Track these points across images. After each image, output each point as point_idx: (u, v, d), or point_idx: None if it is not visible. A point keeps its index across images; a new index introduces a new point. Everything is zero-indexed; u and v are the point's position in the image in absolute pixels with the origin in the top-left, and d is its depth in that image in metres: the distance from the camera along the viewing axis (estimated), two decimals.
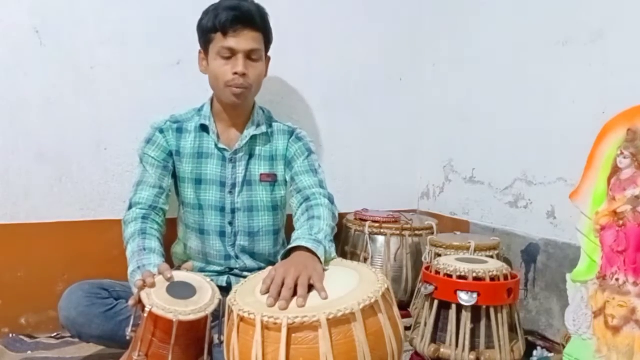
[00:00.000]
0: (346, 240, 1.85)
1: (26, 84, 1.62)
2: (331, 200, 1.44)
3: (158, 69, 1.75)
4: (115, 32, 1.69)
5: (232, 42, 1.40)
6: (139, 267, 1.27)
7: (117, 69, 1.70)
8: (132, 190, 1.46)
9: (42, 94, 1.64)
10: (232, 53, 1.40)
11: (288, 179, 1.53)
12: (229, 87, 1.42)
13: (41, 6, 1.61)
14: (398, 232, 1.76)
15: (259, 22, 1.43)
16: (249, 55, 1.42)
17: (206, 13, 1.44)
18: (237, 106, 1.48)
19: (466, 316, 1.30)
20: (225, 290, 1.32)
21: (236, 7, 1.40)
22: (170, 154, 1.51)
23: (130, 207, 1.43)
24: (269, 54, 1.56)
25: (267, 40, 1.49)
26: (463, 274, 1.30)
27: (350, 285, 1.08)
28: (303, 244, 1.19)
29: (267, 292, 1.07)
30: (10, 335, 1.63)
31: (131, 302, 1.16)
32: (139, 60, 1.72)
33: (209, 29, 1.42)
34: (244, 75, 1.41)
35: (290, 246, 1.21)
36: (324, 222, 1.32)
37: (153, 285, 1.13)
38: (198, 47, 1.51)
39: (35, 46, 1.62)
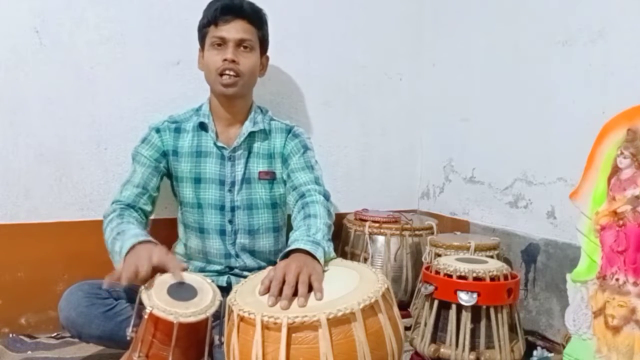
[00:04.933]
0: (346, 240, 1.85)
1: (26, 84, 1.62)
2: (326, 197, 1.44)
3: (158, 69, 1.75)
4: (115, 32, 1.69)
5: (222, 31, 1.44)
6: (118, 234, 1.29)
7: (117, 69, 1.70)
8: (118, 189, 1.47)
9: (42, 94, 1.64)
10: (223, 42, 1.45)
11: (284, 176, 1.54)
12: (219, 75, 1.45)
13: (41, 6, 1.61)
14: (398, 232, 1.76)
15: (249, 14, 1.47)
16: (240, 44, 1.46)
17: (204, 11, 1.49)
18: (231, 98, 1.49)
19: (466, 316, 1.30)
20: (226, 290, 1.32)
21: None
22: (164, 154, 1.51)
23: (111, 204, 1.44)
24: (268, 54, 1.56)
25: (262, 36, 1.51)
26: (463, 274, 1.30)
27: (350, 285, 1.09)
28: (301, 246, 1.19)
29: (266, 292, 1.07)
30: (10, 335, 1.62)
31: (106, 283, 1.16)
32: (139, 60, 1.72)
33: (204, 24, 1.48)
34: (233, 62, 1.44)
35: (288, 248, 1.21)
36: (320, 220, 1.32)
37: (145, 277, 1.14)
38: (198, 47, 1.53)
39: (35, 46, 1.62)
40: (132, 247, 1.22)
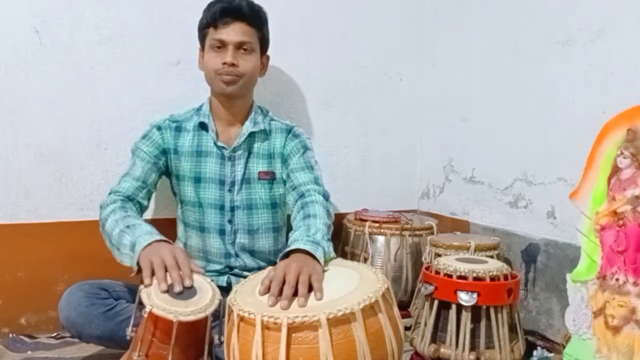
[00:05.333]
0: (346, 241, 1.85)
1: (26, 84, 1.62)
2: (326, 197, 1.44)
3: (158, 69, 1.75)
4: (115, 32, 1.69)
5: (222, 34, 1.44)
6: (127, 227, 1.28)
7: (117, 69, 1.70)
8: (117, 181, 1.47)
9: (42, 94, 1.64)
10: (223, 45, 1.45)
11: (284, 176, 1.54)
12: (218, 75, 1.45)
13: (41, 6, 1.61)
14: (398, 232, 1.76)
15: (249, 16, 1.46)
16: (240, 47, 1.45)
17: (203, 11, 1.49)
18: (231, 97, 1.49)
19: (466, 316, 1.30)
20: (226, 290, 1.32)
21: (227, 0, 1.45)
22: (164, 152, 1.52)
23: (109, 194, 1.44)
24: (268, 53, 1.57)
25: (262, 37, 1.51)
26: (463, 274, 1.30)
27: (350, 285, 1.09)
28: (301, 246, 1.19)
29: (267, 292, 1.07)
30: (10, 335, 1.62)
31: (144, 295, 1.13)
32: (139, 60, 1.72)
33: (204, 25, 1.48)
34: (232, 65, 1.44)
35: (288, 248, 1.21)
36: (320, 220, 1.32)
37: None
38: (198, 46, 1.53)
39: (35, 46, 1.62)
40: (149, 245, 1.21)
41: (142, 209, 1.47)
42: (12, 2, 1.59)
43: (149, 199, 1.50)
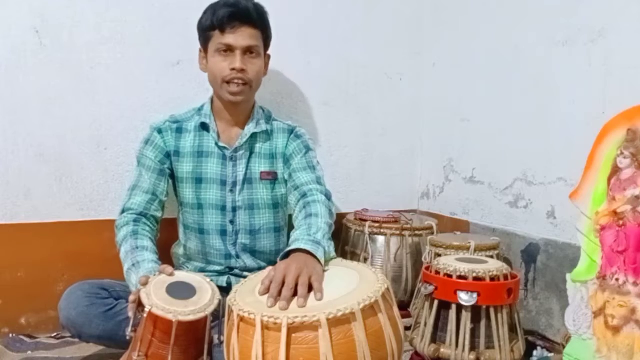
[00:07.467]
0: (346, 240, 1.85)
1: (26, 84, 1.62)
2: (328, 197, 1.44)
3: (158, 69, 1.75)
4: (115, 32, 1.69)
5: (230, 38, 1.42)
6: (133, 265, 1.29)
7: (117, 69, 1.70)
8: (127, 194, 1.47)
9: (42, 94, 1.64)
10: (230, 49, 1.43)
11: (286, 176, 1.54)
12: (226, 83, 1.44)
13: (41, 6, 1.61)
14: (398, 232, 1.76)
15: (256, 19, 1.45)
16: (247, 52, 1.44)
17: (205, 12, 1.46)
18: (237, 104, 1.49)
19: (466, 316, 1.30)
20: (226, 290, 1.32)
21: (234, 4, 1.43)
22: (168, 155, 1.51)
23: (122, 212, 1.45)
24: (269, 52, 1.57)
25: (266, 37, 1.50)
26: (463, 274, 1.30)
27: (350, 285, 1.08)
28: (302, 246, 1.18)
29: (266, 292, 1.07)
30: (10, 335, 1.63)
31: (131, 297, 1.17)
32: (139, 60, 1.72)
33: (208, 27, 1.45)
34: (242, 70, 1.43)
35: (289, 248, 1.20)
36: (322, 220, 1.32)
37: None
38: (198, 47, 1.52)
39: (35, 46, 1.62)
40: None
41: (157, 221, 1.49)
42: (12, 2, 1.59)
43: (162, 208, 1.51)
